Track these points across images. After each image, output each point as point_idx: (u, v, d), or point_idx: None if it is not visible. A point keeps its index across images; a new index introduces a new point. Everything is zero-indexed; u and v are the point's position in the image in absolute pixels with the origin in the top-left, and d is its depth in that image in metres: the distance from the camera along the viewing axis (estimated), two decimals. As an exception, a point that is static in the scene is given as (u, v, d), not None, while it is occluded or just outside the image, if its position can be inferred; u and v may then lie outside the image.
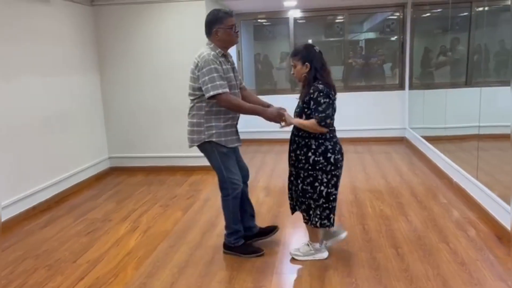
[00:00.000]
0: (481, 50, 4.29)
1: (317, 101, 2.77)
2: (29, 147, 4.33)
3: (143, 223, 3.96)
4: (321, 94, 2.77)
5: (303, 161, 2.88)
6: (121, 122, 5.76)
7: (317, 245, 3.10)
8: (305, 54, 2.87)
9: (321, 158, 2.84)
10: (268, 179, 5.27)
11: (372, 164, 5.68)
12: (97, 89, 5.65)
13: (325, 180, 2.88)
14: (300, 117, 2.88)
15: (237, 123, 3.13)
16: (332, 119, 2.80)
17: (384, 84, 7.48)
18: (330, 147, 2.85)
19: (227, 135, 3.05)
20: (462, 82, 4.80)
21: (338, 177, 2.93)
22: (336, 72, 7.57)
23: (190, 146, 3.14)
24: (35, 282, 2.96)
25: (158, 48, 5.51)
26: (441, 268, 2.89)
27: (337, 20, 7.43)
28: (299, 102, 2.94)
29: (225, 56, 3.04)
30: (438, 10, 5.66)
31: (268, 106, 3.15)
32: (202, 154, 3.19)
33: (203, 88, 2.90)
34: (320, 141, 2.85)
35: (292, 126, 2.93)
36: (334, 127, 2.92)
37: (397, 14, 7.09)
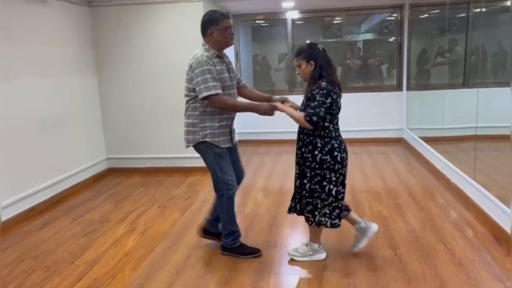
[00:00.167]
0: (478, 51, 4.30)
1: (314, 98, 2.78)
2: (27, 148, 4.32)
3: (141, 224, 3.96)
4: (321, 92, 2.77)
5: (310, 160, 2.87)
6: (119, 123, 5.76)
7: (316, 245, 3.10)
8: (309, 52, 2.87)
9: (328, 156, 2.84)
10: (267, 180, 5.27)
11: (370, 165, 5.69)
12: (95, 90, 5.65)
13: (333, 178, 2.88)
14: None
15: (231, 124, 3.13)
16: (320, 117, 2.75)
17: (382, 85, 7.49)
18: (336, 145, 2.85)
19: (220, 135, 3.05)
20: (460, 83, 4.81)
21: (344, 175, 2.94)
22: (334, 73, 7.57)
23: (186, 146, 3.15)
24: (33, 283, 2.95)
25: (156, 49, 5.51)
26: (439, 269, 2.89)
27: (335, 21, 7.44)
28: (303, 100, 2.95)
29: (220, 56, 3.05)
30: (436, 11, 5.67)
31: (269, 98, 3.20)
32: (199, 155, 3.20)
33: (196, 89, 2.91)
34: (326, 139, 2.85)
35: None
36: (339, 126, 2.93)
37: (395, 15, 7.11)
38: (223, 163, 3.08)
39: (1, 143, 3.98)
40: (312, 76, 2.87)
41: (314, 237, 3.10)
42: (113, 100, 5.71)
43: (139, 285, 2.88)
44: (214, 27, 2.96)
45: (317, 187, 2.90)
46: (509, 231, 3.16)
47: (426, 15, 6.38)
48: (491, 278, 2.76)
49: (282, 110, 2.90)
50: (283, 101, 3.14)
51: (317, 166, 2.86)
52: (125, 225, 3.94)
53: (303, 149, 2.92)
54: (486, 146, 4.00)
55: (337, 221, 2.94)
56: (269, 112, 2.93)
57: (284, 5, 6.62)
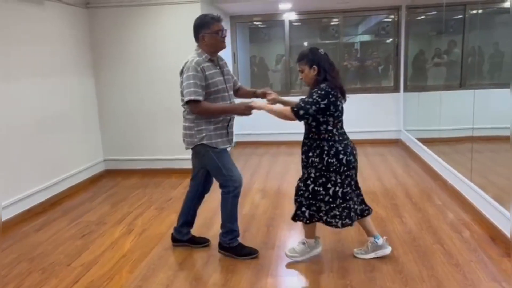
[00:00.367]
0: (475, 52, 4.32)
1: (311, 95, 2.79)
2: (24, 150, 4.31)
3: (138, 225, 3.95)
4: (319, 92, 2.77)
5: (317, 162, 2.87)
6: (116, 124, 5.75)
7: (312, 241, 3.10)
8: (311, 57, 2.87)
9: (334, 160, 2.84)
10: (264, 181, 5.27)
11: (367, 166, 5.70)
12: (92, 91, 5.64)
13: (339, 180, 2.88)
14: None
15: (228, 125, 3.14)
16: (309, 113, 2.76)
17: (379, 87, 7.51)
18: (341, 148, 2.86)
19: (217, 137, 3.07)
20: (457, 84, 4.83)
21: (351, 177, 2.93)
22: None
23: (186, 148, 3.20)
24: (30, 285, 2.94)
25: (153, 50, 5.51)
26: (436, 270, 2.90)
27: (332, 23, 7.46)
28: None
29: (213, 60, 3.06)
30: (433, 12, 5.69)
31: (254, 92, 3.29)
32: (191, 157, 3.21)
33: (183, 93, 2.97)
34: (331, 143, 2.85)
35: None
36: (343, 130, 2.94)
37: (392, 16, 7.13)
38: (225, 160, 3.11)
39: (-2, 144, 3.98)
40: (316, 80, 2.87)
41: (310, 233, 3.10)
42: (111, 102, 5.71)
43: (136, 287, 2.87)
44: (206, 30, 2.98)
45: (321, 189, 2.90)
46: (505, 232, 3.18)
47: (423, 17, 6.41)
48: (488, 279, 2.77)
49: (258, 108, 2.93)
50: (265, 94, 3.17)
51: (323, 168, 2.86)
52: (122, 227, 3.93)
53: (309, 153, 2.91)
54: (483, 147, 4.01)
55: (347, 220, 2.93)
56: (245, 112, 2.97)
57: (282, 6, 6.63)
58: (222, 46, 3.07)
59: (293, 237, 3.53)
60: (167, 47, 5.44)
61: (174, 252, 3.37)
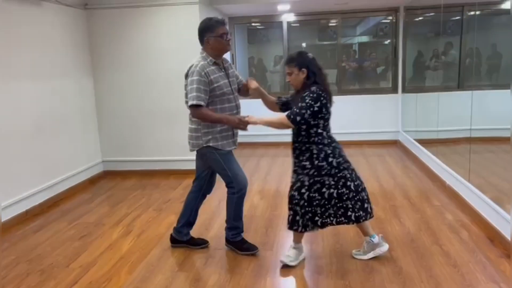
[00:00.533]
0: (473, 54, 4.33)
1: (303, 99, 2.80)
2: (22, 151, 4.30)
3: (137, 227, 3.95)
4: (311, 95, 2.79)
5: (308, 167, 2.88)
6: (114, 126, 5.75)
7: (300, 244, 3.12)
8: (301, 60, 2.89)
9: (324, 163, 2.86)
10: (263, 182, 5.27)
11: (366, 167, 5.71)
12: (90, 92, 5.63)
13: (332, 183, 2.89)
14: None
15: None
16: (304, 118, 2.78)
17: (377, 88, 7.52)
18: (329, 152, 2.87)
19: (223, 139, 3.11)
20: (454, 85, 4.84)
21: (345, 177, 2.92)
22: (329, 76, 7.57)
23: (191, 150, 3.23)
24: (28, 287, 2.93)
25: (151, 52, 5.51)
26: (434, 270, 2.90)
27: (330, 24, 7.47)
28: (297, 104, 2.91)
29: (217, 64, 3.08)
30: (430, 14, 5.71)
31: (244, 84, 3.29)
32: (195, 158, 3.21)
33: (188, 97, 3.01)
34: (320, 146, 2.87)
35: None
36: (331, 133, 2.94)
37: (390, 18, 7.14)
38: (231, 162, 3.16)
39: (-4, 146, 3.98)
40: (305, 83, 2.88)
41: (298, 238, 3.11)
42: (109, 103, 5.70)
43: (134, 288, 2.88)
44: (210, 34, 3.02)
45: (316, 194, 2.90)
46: (503, 232, 3.19)
47: (421, 18, 6.42)
48: (486, 279, 2.77)
49: (254, 123, 2.95)
50: (247, 85, 3.21)
51: (315, 173, 2.87)
52: (120, 228, 3.93)
53: (301, 157, 2.92)
54: (481, 148, 4.02)
55: (342, 219, 2.94)
56: (239, 127, 3.02)
57: (280, 8, 6.64)
58: (226, 49, 3.10)
59: (291, 238, 3.52)
60: (165, 48, 5.44)
61: (173, 253, 3.37)
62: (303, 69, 2.86)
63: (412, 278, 2.82)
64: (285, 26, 7.28)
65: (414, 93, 6.37)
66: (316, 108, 2.77)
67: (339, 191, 2.91)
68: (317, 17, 7.36)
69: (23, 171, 4.33)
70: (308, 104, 2.77)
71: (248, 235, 3.60)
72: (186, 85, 3.05)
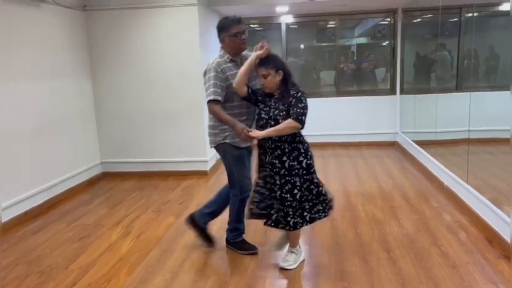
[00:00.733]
0: (470, 55, 4.35)
1: (299, 100, 2.81)
2: (21, 153, 4.30)
3: (136, 228, 3.95)
4: (304, 95, 2.84)
5: (297, 167, 2.86)
6: (113, 127, 5.75)
7: (298, 247, 3.14)
8: (278, 62, 2.89)
9: (311, 161, 2.90)
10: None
11: (364, 168, 5.72)
12: (89, 94, 5.64)
13: (315, 180, 2.92)
14: (284, 120, 2.81)
15: (251, 125, 3.12)
16: (305, 118, 2.81)
17: (375, 89, 7.52)
18: (302, 150, 2.87)
19: None
20: (452, 87, 4.85)
21: (311, 181, 2.91)
22: (327, 77, 7.62)
23: (211, 147, 3.29)
24: (27, 288, 2.94)
25: (151, 53, 5.51)
26: (433, 271, 2.91)
27: (328, 26, 7.48)
28: (278, 106, 2.85)
29: (235, 61, 3.11)
30: (429, 15, 5.72)
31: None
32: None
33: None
34: (306, 145, 2.90)
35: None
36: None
37: (388, 19, 7.16)
38: (240, 165, 3.18)
39: (-5, 147, 3.97)
40: (281, 85, 2.87)
41: (295, 242, 3.11)
42: (108, 104, 5.70)
43: (134, 289, 2.88)
44: (225, 33, 3.08)
45: (288, 195, 2.89)
46: (501, 233, 3.20)
47: (419, 20, 6.44)
48: (484, 280, 2.78)
49: (261, 136, 2.85)
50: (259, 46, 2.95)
51: (305, 172, 2.88)
52: (119, 229, 3.93)
53: (284, 158, 2.86)
54: (479, 149, 4.04)
55: (299, 219, 2.94)
56: (240, 136, 2.90)
57: (278, 9, 6.64)
58: (241, 48, 3.13)
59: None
60: (164, 49, 5.44)
61: (172, 254, 3.37)
62: (279, 71, 2.86)
63: (410, 279, 2.83)
64: (283, 27, 7.29)
65: (412, 95, 6.38)
66: (308, 106, 2.83)
67: (302, 194, 2.91)
68: (316, 18, 7.37)
69: (23, 172, 4.33)
70: (306, 104, 2.81)
71: (247, 236, 3.60)
72: (204, 82, 3.10)
